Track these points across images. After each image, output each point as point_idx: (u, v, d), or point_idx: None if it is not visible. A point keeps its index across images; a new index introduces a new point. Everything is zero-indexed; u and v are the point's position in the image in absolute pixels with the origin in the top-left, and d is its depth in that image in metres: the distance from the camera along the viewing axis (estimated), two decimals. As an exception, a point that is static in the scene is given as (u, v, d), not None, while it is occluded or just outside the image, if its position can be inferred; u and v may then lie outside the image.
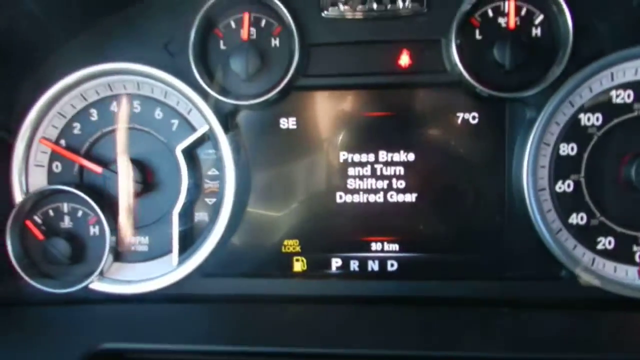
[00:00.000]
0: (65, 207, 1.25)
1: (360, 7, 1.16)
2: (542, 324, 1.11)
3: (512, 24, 1.14)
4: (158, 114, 1.23)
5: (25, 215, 1.24)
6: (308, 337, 1.09)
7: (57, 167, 1.25)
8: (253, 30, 1.18)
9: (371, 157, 1.22)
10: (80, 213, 1.25)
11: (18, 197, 1.24)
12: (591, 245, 1.18)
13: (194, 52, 1.16)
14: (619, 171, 1.16)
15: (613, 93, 1.16)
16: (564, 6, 1.10)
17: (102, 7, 1.21)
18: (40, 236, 1.23)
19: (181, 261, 1.22)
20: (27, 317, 1.20)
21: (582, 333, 1.08)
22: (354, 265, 1.24)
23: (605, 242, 1.17)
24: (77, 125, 1.24)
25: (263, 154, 1.24)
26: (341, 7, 1.17)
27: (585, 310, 1.13)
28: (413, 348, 1.05)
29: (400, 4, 1.16)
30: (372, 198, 1.23)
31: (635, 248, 1.17)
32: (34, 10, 1.09)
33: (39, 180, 1.26)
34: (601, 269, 1.17)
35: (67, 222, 1.25)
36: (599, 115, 1.16)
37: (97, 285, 1.23)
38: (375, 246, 1.24)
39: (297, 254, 1.25)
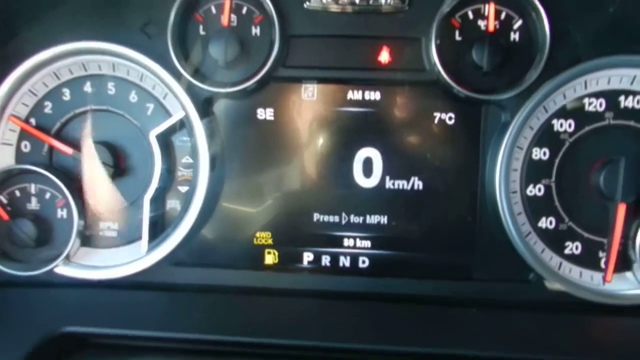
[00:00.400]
0: (32, 188, 1.22)
1: (342, 0, 1.17)
2: (509, 324, 1.12)
3: (491, 27, 1.15)
4: (133, 97, 1.21)
5: (-10, 194, 1.21)
6: (275, 329, 1.08)
7: (25, 146, 1.22)
8: (234, 17, 1.17)
9: (346, 153, 1.22)
10: (48, 195, 1.22)
11: (-17, 175, 1.20)
12: (559, 250, 1.19)
13: (172, 35, 1.15)
14: (589, 178, 1.18)
15: (586, 100, 1.18)
16: (543, 13, 1.12)
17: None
18: (6, 217, 1.20)
19: (150, 249, 1.20)
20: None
21: (547, 335, 1.09)
22: (325, 260, 1.24)
23: (573, 247, 1.19)
24: (48, 104, 1.21)
25: (238, 144, 1.23)
26: (323, -1, 1.17)
27: (551, 313, 1.14)
28: (381, 343, 1.05)
29: (382, 0, 1.17)
30: (346, 194, 1.23)
31: (601, 254, 1.19)
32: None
33: (6, 159, 1.22)
34: (567, 274, 1.19)
35: (34, 204, 1.22)
36: (572, 121, 1.18)
37: (62, 269, 1.20)
38: (348, 242, 1.23)
39: (268, 246, 1.24)
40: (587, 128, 1.18)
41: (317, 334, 1.07)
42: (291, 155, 1.23)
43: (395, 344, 1.05)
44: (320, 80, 1.21)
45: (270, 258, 1.24)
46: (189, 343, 1.10)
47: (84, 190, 1.21)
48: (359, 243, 1.23)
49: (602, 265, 1.18)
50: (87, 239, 1.24)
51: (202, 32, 1.18)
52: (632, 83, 1.18)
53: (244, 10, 1.17)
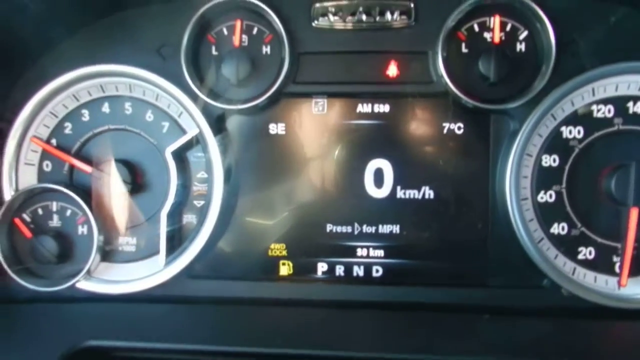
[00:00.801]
0: (54, 205, 1.26)
1: (349, 18, 1.20)
2: (523, 330, 1.12)
3: (497, 39, 1.18)
4: (149, 116, 1.25)
5: (14, 213, 1.25)
6: (292, 339, 1.09)
7: (47, 166, 1.27)
8: (245, 37, 1.21)
9: (357, 164, 1.24)
10: (69, 212, 1.26)
11: (7, 194, 1.24)
12: (572, 255, 1.20)
13: (186, 57, 1.19)
14: (599, 183, 1.19)
15: (594, 107, 1.20)
16: (547, 23, 1.14)
17: (99, 9, 1.24)
18: (29, 234, 1.24)
19: (168, 262, 1.23)
20: (13, 314, 1.20)
21: (562, 340, 1.09)
22: (339, 270, 1.25)
23: (586, 252, 1.20)
24: (68, 125, 1.26)
25: (252, 159, 1.26)
26: (331, 17, 1.20)
27: (566, 319, 1.14)
28: (396, 351, 1.05)
29: (388, 17, 1.20)
30: (358, 204, 1.24)
31: (615, 258, 1.19)
32: (31, 8, 1.12)
33: (29, 179, 1.27)
34: (582, 279, 1.19)
35: (55, 221, 1.26)
36: (581, 128, 1.20)
37: (83, 284, 1.23)
38: (361, 252, 1.25)
39: (283, 257, 1.26)
40: (596, 134, 1.19)
41: (333, 343, 1.08)
42: (303, 168, 1.25)
43: (410, 352, 1.05)
44: (330, 95, 1.24)
45: (285, 269, 1.26)
46: (208, 355, 1.12)
47: (104, 206, 1.25)
48: (372, 252, 1.25)
49: (617, 269, 1.18)
50: (107, 254, 1.27)
51: (214, 53, 1.22)
52: (639, 89, 1.19)
53: (255, 31, 1.21)
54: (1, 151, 1.24)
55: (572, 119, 1.20)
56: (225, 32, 1.22)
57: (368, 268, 1.25)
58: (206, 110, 1.22)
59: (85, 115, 1.26)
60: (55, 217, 1.26)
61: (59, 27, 1.22)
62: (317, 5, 1.20)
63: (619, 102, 1.19)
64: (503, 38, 1.18)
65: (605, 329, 1.14)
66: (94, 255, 1.22)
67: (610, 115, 1.19)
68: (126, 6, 1.23)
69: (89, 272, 1.23)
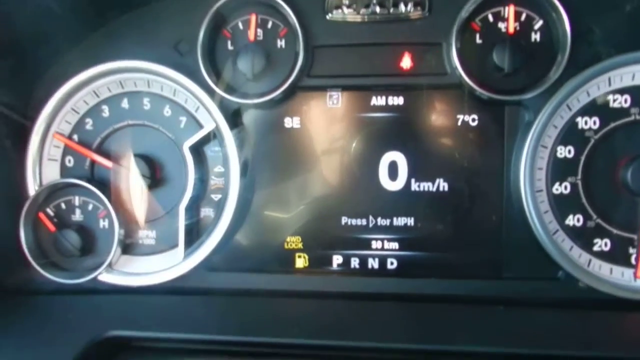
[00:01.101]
0: (76, 200, 1.29)
1: (363, 10, 1.20)
2: (540, 321, 1.12)
3: (511, 29, 1.17)
4: (167, 111, 1.27)
5: (39, 207, 1.28)
6: (308, 330, 1.11)
7: (69, 161, 1.30)
8: (260, 31, 1.22)
9: (372, 157, 1.25)
10: (90, 206, 1.29)
11: (32, 189, 1.28)
12: (587, 247, 1.19)
13: (202, 52, 1.21)
14: (616, 174, 1.18)
15: (610, 97, 1.18)
16: (563, 12, 1.13)
17: (117, 7, 1.26)
18: (52, 228, 1.27)
19: (187, 255, 1.26)
20: (38, 305, 1.24)
21: (579, 331, 1.09)
22: (354, 262, 1.27)
23: (602, 244, 1.19)
24: (89, 121, 1.29)
25: (267, 152, 1.27)
26: (345, 10, 1.21)
27: (582, 310, 1.14)
28: (410, 341, 1.07)
29: (402, 8, 1.20)
30: (372, 197, 1.25)
31: (631, 250, 1.18)
32: (53, 8, 1.14)
33: (52, 174, 1.30)
34: (597, 271, 1.19)
35: (78, 215, 1.29)
36: (596, 119, 1.19)
37: (105, 276, 1.26)
38: (376, 244, 1.26)
39: (299, 250, 1.28)
40: (612, 125, 1.18)
41: (348, 334, 1.10)
42: (318, 162, 1.27)
43: (425, 342, 1.07)
44: (345, 88, 1.25)
45: (300, 262, 1.28)
46: (225, 345, 1.14)
47: (124, 200, 1.28)
48: (386, 245, 1.26)
49: (633, 261, 1.17)
50: (128, 247, 1.30)
51: (230, 47, 1.24)
52: (657, 78, 1.18)
53: (270, 25, 1.22)
54: (25, 147, 1.27)
55: (588, 110, 1.19)
56: (241, 26, 1.23)
57: (383, 260, 1.26)
58: (222, 105, 1.23)
59: (106, 111, 1.29)
60: (78, 211, 1.29)
61: (79, 25, 1.25)
62: (331, -2, 1.21)
63: (636, 92, 1.18)
64: (518, 28, 1.17)
65: (621, 320, 1.14)
66: (115, 248, 1.25)
67: (627, 105, 1.18)
68: (144, 3, 1.25)
69: (110, 264, 1.26)
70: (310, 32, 1.21)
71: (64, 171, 1.30)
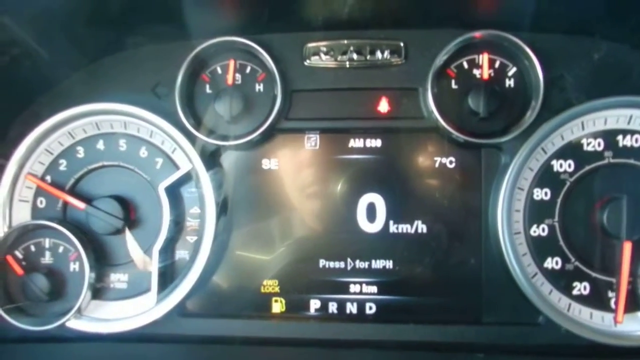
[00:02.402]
0: (46, 242, 1.26)
1: (340, 57, 1.23)
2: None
3: (485, 75, 1.20)
4: (143, 152, 1.26)
5: (7, 249, 1.24)
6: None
7: (41, 202, 1.27)
8: (238, 75, 1.24)
9: (350, 199, 1.24)
10: (61, 249, 1.26)
11: (1, 231, 1.24)
12: (567, 290, 1.18)
13: (180, 95, 1.21)
14: (593, 216, 1.19)
15: (584, 141, 1.21)
16: (535, 60, 1.16)
17: (97, 51, 1.27)
18: (20, 271, 1.23)
19: (159, 300, 1.22)
20: (1, 355, 1.18)
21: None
22: (332, 307, 1.24)
23: (581, 287, 1.18)
24: (63, 162, 1.27)
25: (245, 194, 1.26)
26: (323, 56, 1.23)
27: (563, 358, 1.12)
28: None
29: (379, 55, 1.22)
30: (350, 239, 1.24)
31: (610, 294, 1.17)
32: (38, 51, 1.15)
33: (22, 215, 1.27)
34: (577, 315, 1.18)
35: (47, 258, 1.26)
36: (571, 162, 1.20)
37: (73, 323, 1.21)
38: (354, 288, 1.24)
39: (276, 294, 1.25)
40: (587, 167, 1.20)
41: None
42: (296, 204, 1.26)
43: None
44: (322, 131, 1.25)
45: (277, 306, 1.25)
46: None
47: (96, 243, 1.24)
48: (365, 289, 1.24)
49: (613, 305, 1.16)
50: (98, 292, 1.26)
51: (208, 91, 1.24)
52: (629, 122, 1.20)
53: (248, 70, 1.24)
54: (-4, 187, 1.25)
55: (563, 153, 1.20)
56: (219, 71, 1.24)
57: (361, 305, 1.23)
58: (200, 147, 1.23)
59: (80, 152, 1.27)
60: (48, 253, 1.26)
61: (58, 68, 1.25)
62: (309, 45, 1.23)
63: (609, 136, 1.20)
64: (492, 74, 1.20)
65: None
66: (85, 293, 1.21)
67: (601, 148, 1.20)
68: (123, 47, 1.26)
69: (79, 310, 1.21)
70: (288, 77, 1.23)
71: (35, 212, 1.27)
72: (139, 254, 1.23)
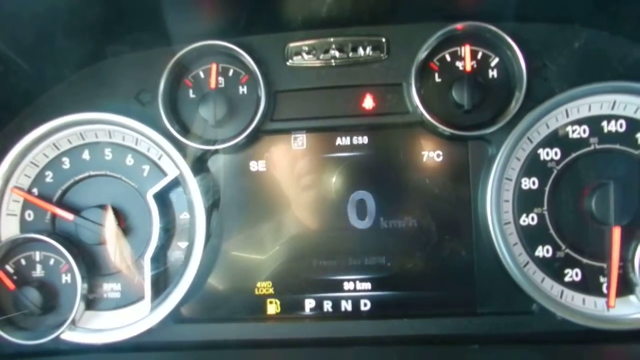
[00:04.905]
0: (37, 255, 1.25)
1: (323, 55, 1.22)
2: (516, 358, 1.10)
3: (468, 67, 1.20)
4: (129, 160, 1.25)
5: (-3, 265, 1.24)
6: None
7: (29, 215, 1.26)
8: (221, 79, 1.23)
9: (339, 197, 1.25)
10: (52, 261, 1.25)
11: (-11, 246, 1.24)
12: (559, 278, 1.19)
13: (163, 101, 1.20)
14: (581, 203, 1.19)
15: (569, 128, 1.21)
16: (517, 50, 1.17)
17: (78, 61, 1.26)
18: (12, 286, 1.22)
19: (154, 307, 1.21)
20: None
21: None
22: (327, 305, 1.24)
23: (573, 274, 1.19)
24: (49, 173, 1.26)
25: (234, 197, 1.26)
26: (305, 56, 1.23)
27: (556, 344, 1.13)
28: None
29: (361, 52, 1.22)
30: (342, 237, 1.24)
31: (602, 279, 1.18)
32: (21, 66, 1.14)
33: (11, 229, 1.26)
34: (570, 302, 1.18)
35: (38, 271, 1.25)
36: (557, 149, 1.21)
37: (68, 335, 1.21)
38: (348, 285, 1.24)
39: (270, 296, 1.25)
40: (573, 155, 1.20)
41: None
42: (286, 204, 1.25)
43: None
44: (309, 130, 1.25)
45: (272, 308, 1.25)
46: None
47: (87, 253, 1.24)
48: (359, 285, 1.24)
49: (604, 290, 1.17)
50: (91, 303, 1.25)
51: (192, 96, 1.24)
52: (612, 108, 1.21)
53: (231, 73, 1.24)
54: (-18, 203, 1.24)
55: (549, 141, 1.21)
56: (202, 75, 1.24)
57: (356, 302, 1.23)
58: (186, 152, 1.22)
59: (66, 163, 1.26)
60: (39, 266, 1.25)
61: (40, 81, 1.24)
62: (291, 45, 1.23)
63: (593, 122, 1.21)
64: (475, 66, 1.21)
65: (597, 353, 1.12)
66: (78, 304, 1.20)
67: (586, 135, 1.21)
68: (104, 56, 1.25)
69: (73, 322, 1.21)
70: (271, 78, 1.22)
71: (24, 226, 1.26)
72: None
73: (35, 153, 1.26)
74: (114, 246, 1.23)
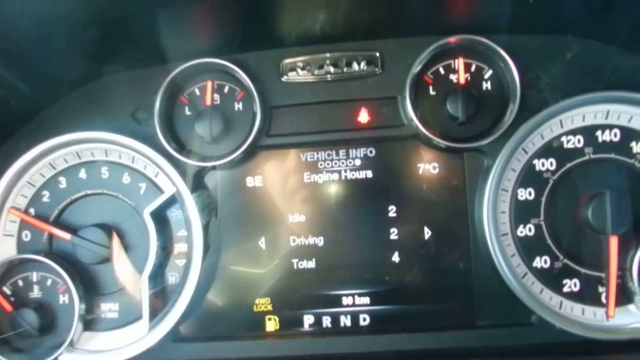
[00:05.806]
0: (34, 276, 1.24)
1: (317, 71, 1.23)
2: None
3: (462, 80, 1.21)
4: (126, 178, 1.25)
5: (-6, 286, 1.23)
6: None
7: (26, 235, 1.26)
8: (217, 96, 1.24)
9: (338, 211, 1.24)
10: (49, 281, 1.24)
11: (-14, 268, 1.23)
12: (557, 288, 1.19)
13: (159, 119, 1.21)
14: (577, 213, 1.19)
15: (564, 139, 1.22)
16: (510, 62, 1.17)
17: (74, 81, 1.26)
18: (9, 307, 1.21)
19: (152, 327, 1.20)
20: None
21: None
22: (326, 321, 1.23)
23: (571, 284, 1.19)
24: (46, 193, 1.26)
25: (231, 213, 1.26)
26: (299, 72, 1.23)
27: (557, 356, 1.12)
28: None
29: (355, 67, 1.23)
30: (341, 252, 1.24)
31: (600, 289, 1.18)
32: (19, 88, 1.14)
33: (8, 250, 1.25)
34: (569, 312, 1.18)
35: (36, 292, 1.24)
36: (553, 160, 1.21)
37: (66, 356, 1.20)
38: (347, 300, 1.24)
39: (269, 312, 1.24)
40: (568, 165, 1.21)
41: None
42: (282, 219, 1.25)
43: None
44: (304, 145, 1.25)
45: (271, 325, 1.24)
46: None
47: (84, 273, 1.23)
48: (357, 300, 1.23)
49: (603, 300, 1.17)
50: (89, 323, 1.24)
51: (188, 113, 1.24)
52: (606, 117, 1.22)
53: (226, 89, 1.24)
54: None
55: (544, 152, 1.21)
56: (198, 92, 1.24)
57: (355, 317, 1.23)
58: (182, 169, 1.23)
59: (63, 182, 1.26)
60: (36, 287, 1.24)
61: (36, 101, 1.24)
62: (286, 61, 1.24)
63: (588, 132, 1.21)
64: (468, 78, 1.21)
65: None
66: (76, 325, 1.19)
67: (581, 145, 1.21)
68: (100, 75, 1.26)
69: (71, 343, 1.20)
70: (266, 94, 1.23)
71: (21, 246, 1.26)
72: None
73: (31, 173, 1.26)
74: (116, 264, 1.23)
